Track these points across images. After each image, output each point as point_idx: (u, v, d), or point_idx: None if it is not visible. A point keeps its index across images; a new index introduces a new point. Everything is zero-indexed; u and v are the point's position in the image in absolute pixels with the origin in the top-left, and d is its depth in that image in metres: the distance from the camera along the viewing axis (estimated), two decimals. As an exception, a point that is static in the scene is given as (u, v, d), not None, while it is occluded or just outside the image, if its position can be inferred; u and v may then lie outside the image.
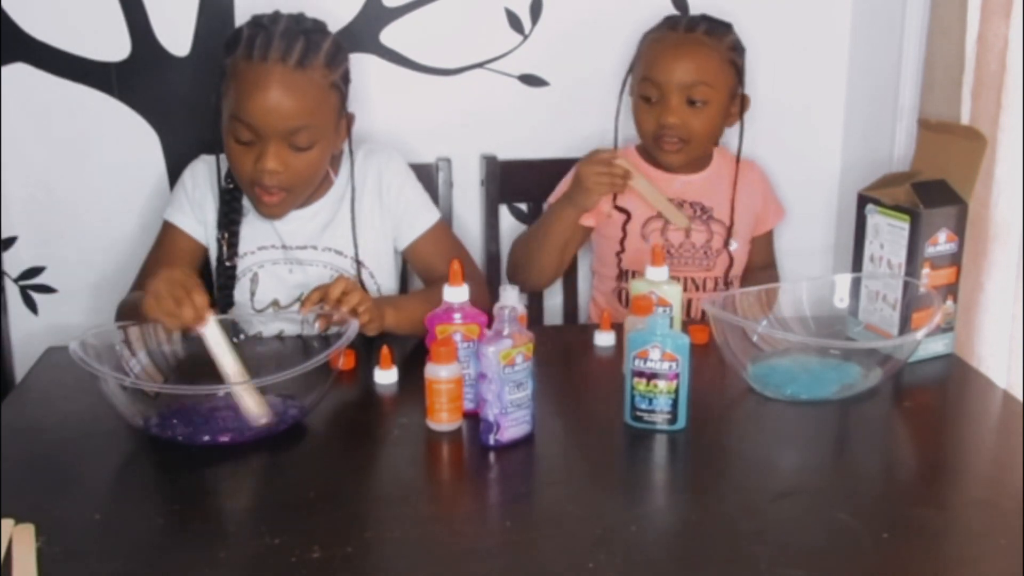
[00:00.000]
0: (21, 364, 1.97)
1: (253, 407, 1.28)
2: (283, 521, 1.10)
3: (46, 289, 1.98)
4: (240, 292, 1.66)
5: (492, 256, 1.99)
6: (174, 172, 1.89)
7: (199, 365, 1.35)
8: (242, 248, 1.65)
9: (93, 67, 1.85)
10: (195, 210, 1.66)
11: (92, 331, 1.32)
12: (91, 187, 1.92)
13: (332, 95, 1.56)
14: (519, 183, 1.98)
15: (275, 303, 1.66)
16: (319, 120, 1.53)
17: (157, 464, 1.24)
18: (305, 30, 1.53)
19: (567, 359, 1.54)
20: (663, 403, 1.28)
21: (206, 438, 1.26)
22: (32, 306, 1.99)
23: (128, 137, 1.90)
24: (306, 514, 1.12)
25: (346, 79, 1.60)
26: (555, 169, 1.97)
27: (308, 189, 1.62)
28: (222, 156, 1.63)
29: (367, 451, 1.27)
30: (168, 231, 1.68)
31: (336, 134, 1.60)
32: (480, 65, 1.95)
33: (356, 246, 1.66)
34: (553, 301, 2.06)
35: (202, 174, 1.68)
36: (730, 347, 1.42)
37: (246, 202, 1.65)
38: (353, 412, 1.39)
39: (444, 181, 1.93)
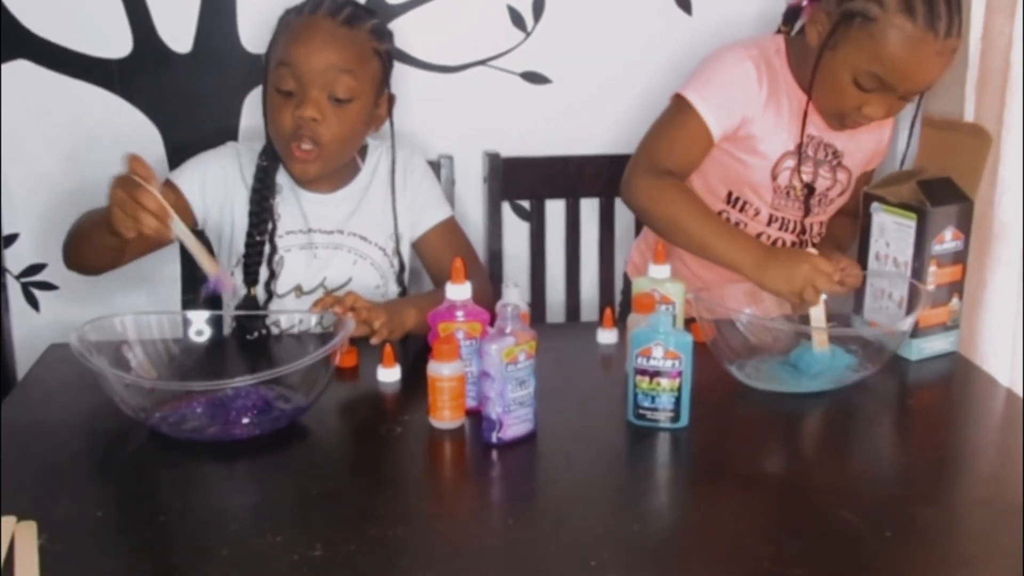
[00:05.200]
0: (23, 361, 1.97)
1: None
2: (285, 519, 1.10)
3: (47, 286, 1.98)
4: (262, 273, 1.66)
5: (495, 254, 1.99)
6: (175, 167, 1.88)
7: (198, 360, 1.36)
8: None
9: (95, 64, 1.85)
10: (205, 182, 1.66)
11: (90, 324, 1.31)
12: (93, 184, 1.89)
13: (375, 60, 1.62)
14: (522, 181, 1.97)
15: (298, 288, 1.67)
16: (360, 76, 1.58)
17: (159, 461, 1.24)
18: (355, 3, 1.62)
19: (570, 356, 1.53)
20: (666, 401, 1.28)
21: (208, 433, 1.26)
22: (34, 303, 1.99)
23: (130, 134, 1.90)
24: (308, 512, 1.12)
25: (390, 57, 1.66)
26: (558, 167, 1.97)
27: (342, 154, 1.64)
28: (253, 143, 1.70)
29: (370, 448, 1.27)
30: (164, 187, 1.65)
31: (375, 105, 1.65)
32: (482, 62, 1.95)
33: (397, 228, 1.70)
34: (556, 299, 2.05)
35: (229, 159, 1.69)
36: (719, 345, 1.42)
37: (279, 179, 1.67)
38: (356, 410, 1.39)
39: (446, 178, 1.93)
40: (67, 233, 1.60)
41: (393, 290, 1.73)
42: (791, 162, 1.67)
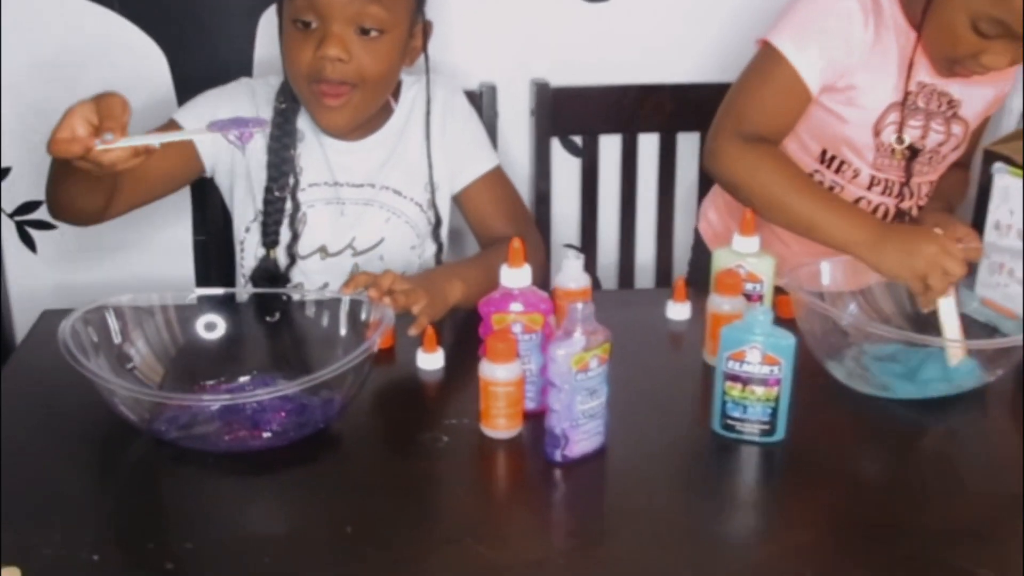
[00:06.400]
0: (19, 308, 1.82)
1: None
2: (314, 566, 0.92)
3: (44, 225, 1.78)
4: (283, 233, 1.46)
5: (542, 196, 1.79)
6: (183, 95, 1.68)
7: (211, 348, 1.18)
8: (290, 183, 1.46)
9: (91, -22, 1.63)
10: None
11: (81, 316, 1.12)
12: (91, 113, 1.71)
13: None
14: (573, 113, 1.76)
15: (323, 250, 1.48)
16: (390, 3, 1.36)
17: (166, 481, 1.06)
18: None
19: (636, 340, 1.31)
20: (759, 412, 1.09)
21: (223, 444, 1.08)
22: (30, 243, 1.80)
23: (132, 57, 1.69)
24: (342, 558, 0.94)
25: None
26: (613, 97, 1.76)
27: (375, 96, 1.43)
28: (269, 79, 1.50)
29: (412, 464, 1.08)
30: (168, 128, 1.45)
31: (409, 37, 1.42)
32: (531, -23, 1.72)
33: (432, 178, 1.50)
34: (608, 243, 1.85)
35: (243, 98, 1.48)
36: (813, 334, 1.22)
37: (300, 124, 1.46)
38: (394, 408, 1.20)
39: (488, 110, 1.71)
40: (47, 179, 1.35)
41: (430, 249, 1.52)
42: (897, 115, 1.43)
